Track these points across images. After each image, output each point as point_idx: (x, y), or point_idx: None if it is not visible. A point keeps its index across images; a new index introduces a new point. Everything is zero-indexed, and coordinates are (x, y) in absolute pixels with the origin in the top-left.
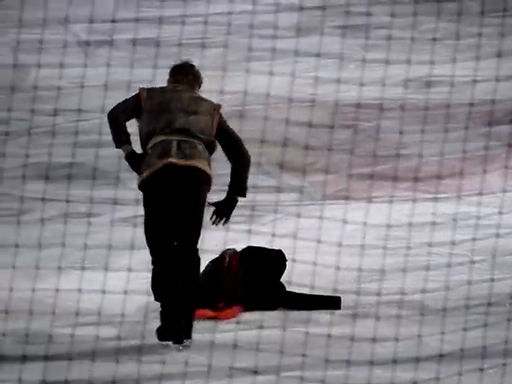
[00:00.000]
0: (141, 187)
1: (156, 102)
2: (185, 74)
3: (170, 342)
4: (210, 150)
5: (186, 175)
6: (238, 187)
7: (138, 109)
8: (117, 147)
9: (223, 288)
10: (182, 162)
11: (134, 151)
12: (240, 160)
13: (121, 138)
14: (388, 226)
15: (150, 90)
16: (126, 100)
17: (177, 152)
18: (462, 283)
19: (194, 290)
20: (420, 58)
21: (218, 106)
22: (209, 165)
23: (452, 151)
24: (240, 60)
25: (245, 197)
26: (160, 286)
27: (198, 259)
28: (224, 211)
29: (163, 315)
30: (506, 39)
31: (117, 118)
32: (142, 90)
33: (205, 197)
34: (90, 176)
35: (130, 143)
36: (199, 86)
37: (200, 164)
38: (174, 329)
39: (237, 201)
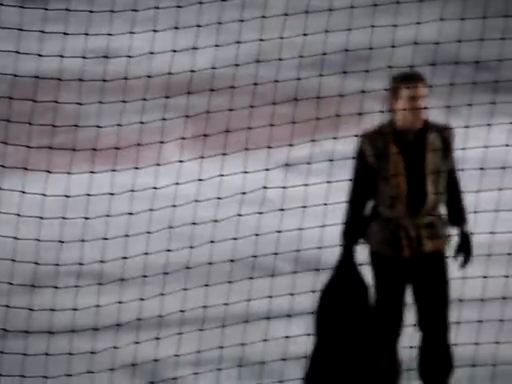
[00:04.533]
0: None
1: None
2: None
3: None
4: None
5: None
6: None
7: None
8: None
9: None
10: None
11: None
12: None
13: None
14: (66, 197)
15: None
16: None
17: None
18: (139, 253)
19: None
20: (99, 30)
21: None
22: None
23: (130, 122)
24: None
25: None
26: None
27: None
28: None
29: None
30: (183, 11)
31: None
32: None
33: None
34: None
35: None
36: None
37: None
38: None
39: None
